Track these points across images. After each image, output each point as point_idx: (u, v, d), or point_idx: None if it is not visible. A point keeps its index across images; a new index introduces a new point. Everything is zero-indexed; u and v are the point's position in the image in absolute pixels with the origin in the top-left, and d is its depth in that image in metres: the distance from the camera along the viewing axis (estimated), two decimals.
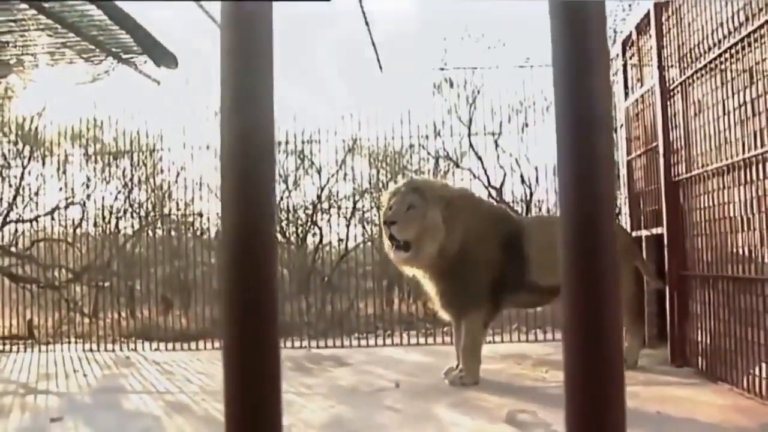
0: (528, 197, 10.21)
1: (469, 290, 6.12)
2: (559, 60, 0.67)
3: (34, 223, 10.19)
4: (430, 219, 5.97)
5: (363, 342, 8.95)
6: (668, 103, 6.62)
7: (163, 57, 6.94)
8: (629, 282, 6.52)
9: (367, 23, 6.65)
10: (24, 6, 6.01)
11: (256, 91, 0.67)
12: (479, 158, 10.03)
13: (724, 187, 5.51)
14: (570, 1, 0.65)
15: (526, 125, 9.93)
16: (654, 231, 7.11)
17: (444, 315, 6.45)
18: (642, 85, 7.56)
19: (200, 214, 10.18)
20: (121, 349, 8.96)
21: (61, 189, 10.17)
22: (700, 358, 6.11)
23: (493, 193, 9.91)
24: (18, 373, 7.37)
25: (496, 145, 10.00)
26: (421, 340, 8.85)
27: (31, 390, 6.38)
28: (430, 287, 6.37)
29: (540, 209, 9.88)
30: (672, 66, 6.54)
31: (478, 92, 10.21)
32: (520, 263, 6.13)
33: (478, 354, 6.18)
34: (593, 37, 0.66)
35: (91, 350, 8.94)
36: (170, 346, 8.91)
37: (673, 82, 6.49)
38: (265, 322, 0.67)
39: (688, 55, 6.14)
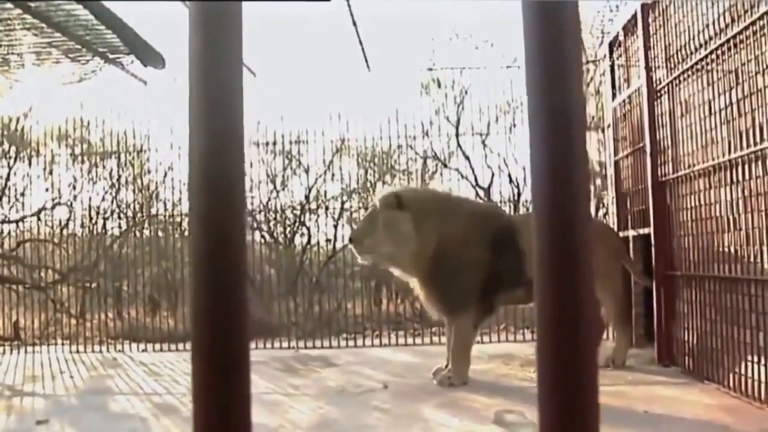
0: (516, 197, 10.24)
1: (455, 292, 6.13)
2: (533, 61, 0.66)
3: (21, 223, 10.14)
4: (386, 225, 6.17)
5: (351, 342, 8.94)
6: (655, 103, 6.66)
7: (150, 57, 6.90)
8: (617, 282, 6.55)
9: (354, 23, 6.65)
10: (9, 5, 5.96)
11: (226, 90, 0.66)
12: (467, 158, 10.05)
13: (710, 187, 5.54)
14: (543, 1, 0.65)
15: (514, 125, 9.97)
16: (641, 231, 7.13)
17: (434, 316, 6.49)
18: (629, 86, 7.59)
19: (188, 215, 10.13)
20: (108, 350, 8.91)
21: (47, 189, 10.12)
22: (686, 358, 6.14)
23: (481, 193, 9.92)
24: (3, 374, 7.32)
25: (484, 145, 10.02)
26: (410, 341, 8.84)
27: (16, 392, 6.33)
28: (418, 290, 6.42)
29: (528, 209, 9.90)
30: (659, 67, 6.57)
31: (466, 92, 10.23)
32: (515, 260, 6.14)
33: (467, 355, 6.19)
34: (567, 38, 0.66)
35: (77, 351, 8.88)
36: (157, 347, 8.87)
37: (660, 82, 6.52)
38: (235, 324, 0.66)
39: (675, 55, 6.17)
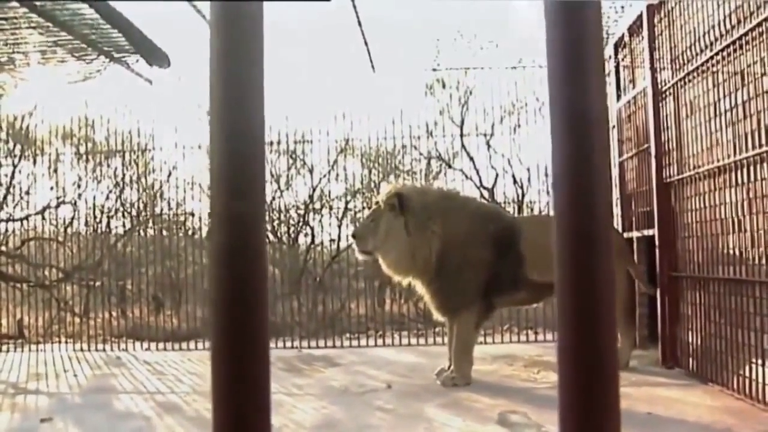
0: (520, 198, 10.22)
1: (458, 291, 6.14)
2: (555, 64, 0.66)
3: (25, 222, 10.14)
4: (387, 227, 6.23)
5: (354, 342, 8.94)
6: (660, 104, 6.64)
7: (155, 56, 6.92)
8: (621, 283, 6.54)
9: (359, 23, 6.65)
10: (15, 4, 5.97)
11: (247, 90, 0.66)
12: (471, 159, 10.04)
13: (715, 189, 5.53)
14: (567, 2, 0.65)
15: (519, 126, 9.95)
16: (645, 232, 7.12)
17: (438, 316, 6.49)
18: (634, 87, 7.58)
19: (192, 214, 10.16)
20: (111, 349, 8.93)
21: (52, 188, 10.13)
22: (690, 359, 6.13)
23: (485, 193, 9.91)
24: (8, 372, 7.34)
25: (488, 146, 10.01)
26: (413, 341, 8.85)
27: (21, 390, 6.35)
28: (422, 290, 6.42)
29: (532, 210, 9.89)
30: (664, 68, 6.56)
31: (471, 93, 10.22)
32: (515, 261, 6.14)
33: (469, 355, 6.19)
34: (589, 41, 0.66)
35: (81, 350, 8.90)
36: (161, 345, 8.88)
37: (665, 83, 6.51)
38: (255, 323, 0.66)
39: (681, 57, 6.16)
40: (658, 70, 6.67)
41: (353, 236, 6.55)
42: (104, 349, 8.92)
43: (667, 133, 6.54)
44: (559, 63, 0.66)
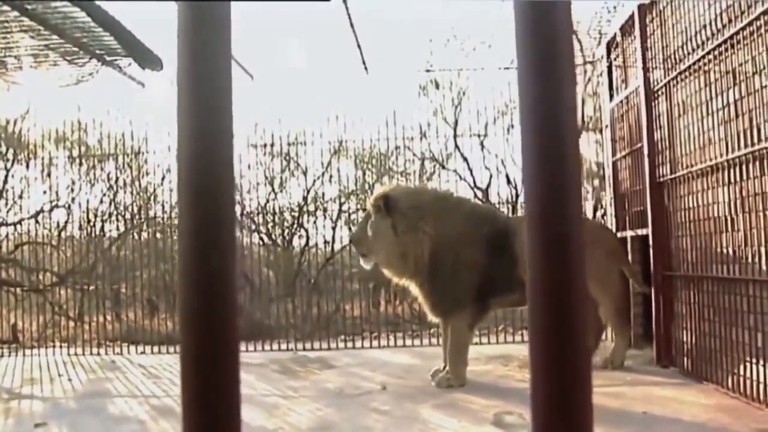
0: (514, 198, 10.23)
1: (452, 292, 6.15)
2: (524, 62, 0.67)
3: (18, 226, 10.11)
4: (375, 229, 6.25)
5: (349, 344, 8.94)
6: (653, 104, 6.66)
7: (147, 59, 6.90)
8: (615, 283, 6.54)
9: (352, 24, 6.65)
10: (6, 8, 5.96)
11: (214, 91, 0.66)
12: (465, 159, 10.05)
13: (708, 188, 5.55)
14: (536, 2, 0.65)
15: (512, 126, 9.97)
16: (639, 232, 7.14)
17: (432, 318, 6.49)
18: (627, 87, 7.59)
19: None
20: (106, 353, 8.91)
21: (45, 192, 10.11)
22: (685, 358, 6.15)
23: (479, 194, 9.93)
24: (2, 377, 7.31)
25: (482, 147, 10.02)
26: (408, 342, 8.84)
27: (15, 395, 6.32)
28: (416, 291, 6.43)
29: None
30: (656, 67, 6.57)
31: (464, 94, 10.23)
32: (509, 262, 6.14)
33: (464, 356, 6.19)
34: (560, 40, 0.66)
35: (76, 354, 8.87)
36: (156, 349, 8.86)
37: (658, 83, 6.53)
38: (224, 327, 0.66)
39: (673, 56, 6.18)
40: (651, 69, 6.68)
41: (350, 241, 6.64)
42: (99, 353, 8.89)
43: (659, 132, 6.55)
44: (529, 61, 0.66)
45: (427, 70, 10.38)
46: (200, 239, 0.65)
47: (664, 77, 6.36)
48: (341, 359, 7.80)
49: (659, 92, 6.52)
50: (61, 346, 9.42)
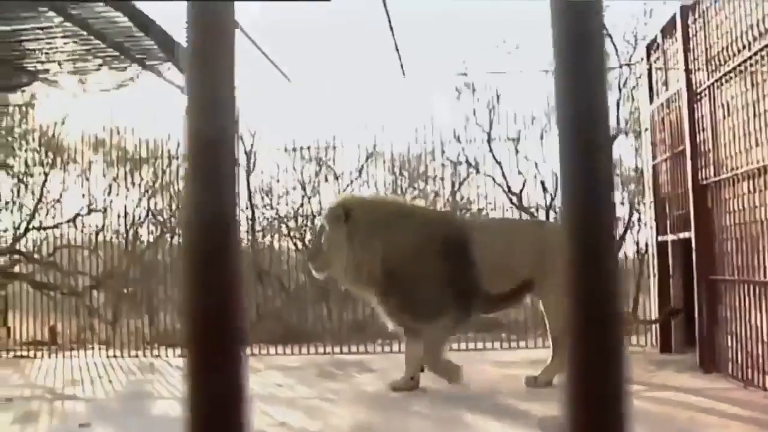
0: (548, 203, 10.14)
1: (416, 306, 6.12)
2: (560, 68, 0.68)
3: (56, 230, 10.22)
4: (332, 242, 6.23)
5: (387, 348, 8.90)
6: (695, 106, 6.58)
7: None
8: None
9: (391, 27, 6.63)
10: (51, 13, 6.03)
11: (218, 91, 0.67)
12: (499, 164, 9.97)
13: (754, 190, 5.46)
14: (572, 2, 0.66)
15: (547, 131, 9.88)
16: (681, 235, 7.05)
17: (392, 327, 6.48)
18: (667, 89, 7.51)
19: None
20: (144, 356, 8.96)
21: (83, 196, 10.21)
22: (730, 363, 6.05)
23: (514, 199, 9.85)
24: (44, 378, 7.39)
25: (516, 151, 9.94)
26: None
27: (57, 395, 6.38)
28: (375, 304, 6.48)
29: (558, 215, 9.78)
30: (699, 69, 6.49)
31: (498, 98, 10.18)
32: (468, 270, 6.09)
33: (440, 355, 6.20)
34: (594, 45, 0.67)
35: (114, 356, 8.94)
36: None
37: (701, 85, 6.45)
38: (228, 325, 0.66)
39: (716, 57, 6.10)
40: (693, 71, 6.61)
41: (307, 260, 6.71)
42: (136, 355, 8.95)
43: (702, 134, 6.47)
44: (565, 64, 0.68)
45: (463, 74, 10.35)
46: (203, 238, 0.66)
47: (708, 79, 6.28)
48: (378, 363, 7.77)
49: (702, 94, 6.44)
50: (99, 349, 9.50)
